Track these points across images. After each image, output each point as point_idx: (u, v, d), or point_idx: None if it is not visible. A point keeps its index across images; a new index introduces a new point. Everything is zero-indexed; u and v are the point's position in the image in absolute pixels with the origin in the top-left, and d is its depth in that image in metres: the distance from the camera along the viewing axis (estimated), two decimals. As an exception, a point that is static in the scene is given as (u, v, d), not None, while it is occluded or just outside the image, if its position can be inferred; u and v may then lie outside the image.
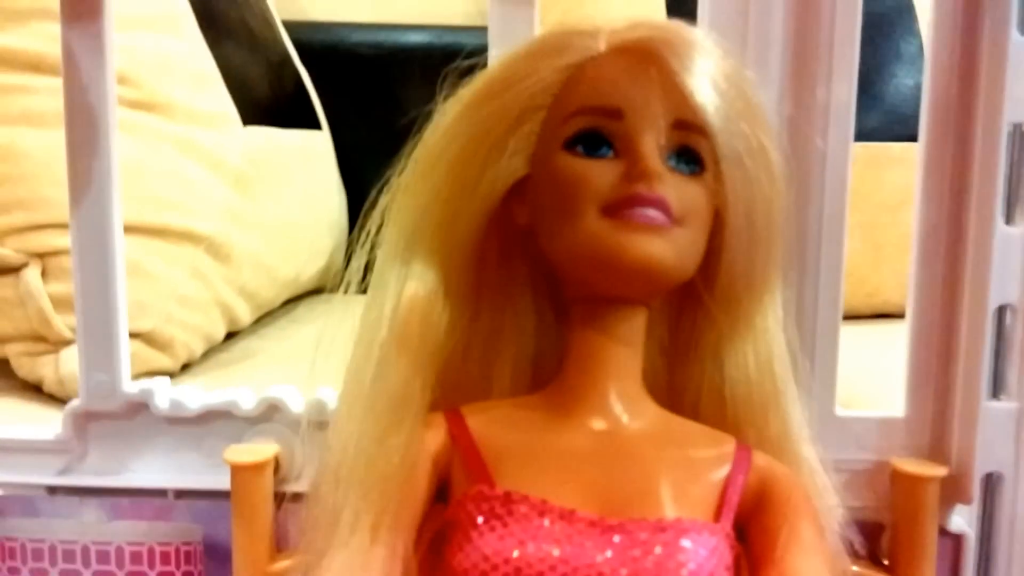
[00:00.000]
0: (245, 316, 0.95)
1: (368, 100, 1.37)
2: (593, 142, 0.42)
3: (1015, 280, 0.53)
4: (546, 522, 0.38)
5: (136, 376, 0.67)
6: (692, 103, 0.41)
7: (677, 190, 0.41)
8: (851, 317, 1.05)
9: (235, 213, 0.88)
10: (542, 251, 0.44)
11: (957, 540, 0.55)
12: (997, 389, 0.55)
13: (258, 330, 1.02)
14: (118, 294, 0.57)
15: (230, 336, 0.95)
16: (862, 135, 1.16)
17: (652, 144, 0.41)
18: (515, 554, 0.37)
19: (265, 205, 0.96)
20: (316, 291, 1.24)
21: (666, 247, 0.40)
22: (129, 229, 0.75)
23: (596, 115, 0.42)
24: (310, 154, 1.21)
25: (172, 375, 0.81)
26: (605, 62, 0.43)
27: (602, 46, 0.43)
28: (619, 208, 0.40)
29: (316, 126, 1.27)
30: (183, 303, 0.80)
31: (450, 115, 0.45)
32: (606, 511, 0.39)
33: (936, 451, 0.55)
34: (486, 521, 0.38)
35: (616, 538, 0.38)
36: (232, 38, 1.01)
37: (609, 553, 0.38)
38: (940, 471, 0.53)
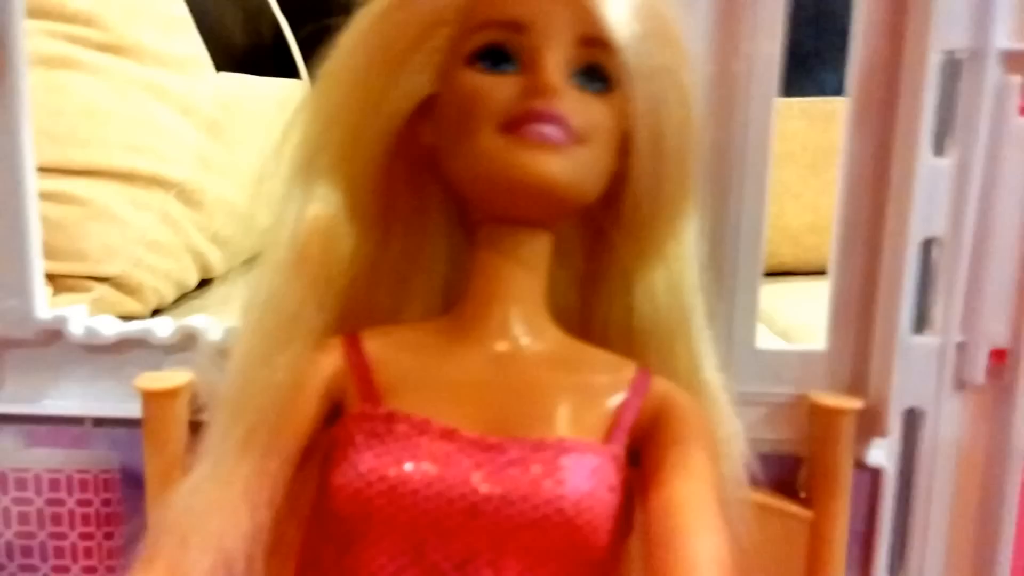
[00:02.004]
0: (219, 263, 0.94)
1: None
2: (496, 57, 0.40)
3: (943, 213, 0.52)
4: (425, 440, 0.37)
5: None
6: (599, 18, 0.39)
7: (579, 107, 0.40)
8: (816, 272, 1.06)
9: (207, 159, 0.86)
10: (445, 170, 0.43)
11: (875, 474, 0.55)
12: (922, 324, 0.54)
13: (234, 277, 1.01)
14: (30, 219, 0.56)
15: (206, 283, 0.94)
16: (834, 90, 1.15)
17: (555, 59, 0.39)
18: (391, 471, 0.37)
19: (239, 153, 0.94)
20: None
21: (563, 166, 0.39)
22: (97, 173, 0.74)
23: (499, 29, 0.40)
24: (287, 102, 1.18)
25: (141, 320, 0.80)
26: None
27: None
28: (516, 125, 0.39)
29: (295, 75, 1.25)
30: (152, 248, 0.79)
31: (356, 29, 0.43)
32: (493, 431, 0.39)
33: (856, 385, 0.54)
34: (365, 440, 0.38)
35: (495, 456, 0.38)
36: (205, -18, 0.99)
37: (486, 471, 0.37)
38: (856, 404, 0.52)
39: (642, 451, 0.41)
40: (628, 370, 0.43)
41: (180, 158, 0.82)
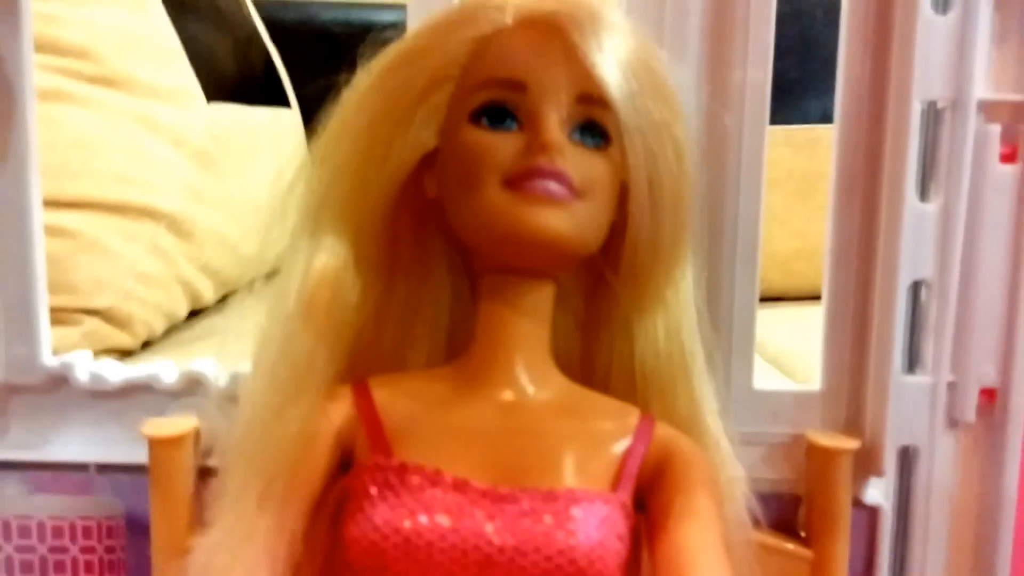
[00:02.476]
0: (208, 294, 0.94)
1: (338, 78, 1.37)
2: (497, 115, 0.42)
3: (929, 255, 0.54)
4: (438, 492, 0.38)
5: (95, 354, 0.66)
6: (595, 77, 0.41)
7: (579, 163, 0.41)
8: (805, 297, 1.07)
9: (197, 190, 0.87)
10: (450, 223, 0.44)
11: (872, 512, 0.56)
12: (913, 363, 0.55)
13: (222, 308, 1.01)
14: (37, 267, 0.56)
15: (194, 315, 0.94)
16: (827, 117, 1.17)
17: (555, 117, 0.41)
18: (406, 524, 0.37)
19: (230, 182, 0.95)
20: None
21: (566, 220, 0.40)
22: (88, 205, 0.74)
23: (501, 88, 0.42)
24: (278, 132, 1.20)
25: (132, 353, 0.80)
26: (511, 35, 0.43)
27: (509, 19, 0.43)
28: (520, 181, 0.40)
29: (285, 104, 1.26)
30: (143, 280, 0.79)
31: (361, 85, 0.45)
32: (502, 481, 0.40)
33: (851, 424, 0.56)
34: (379, 492, 0.39)
35: (507, 507, 0.38)
36: (197, 14, 1.00)
37: (499, 523, 0.38)
38: (853, 444, 0.53)
39: (648, 497, 0.42)
40: (632, 416, 0.44)
41: (171, 189, 0.83)
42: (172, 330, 0.88)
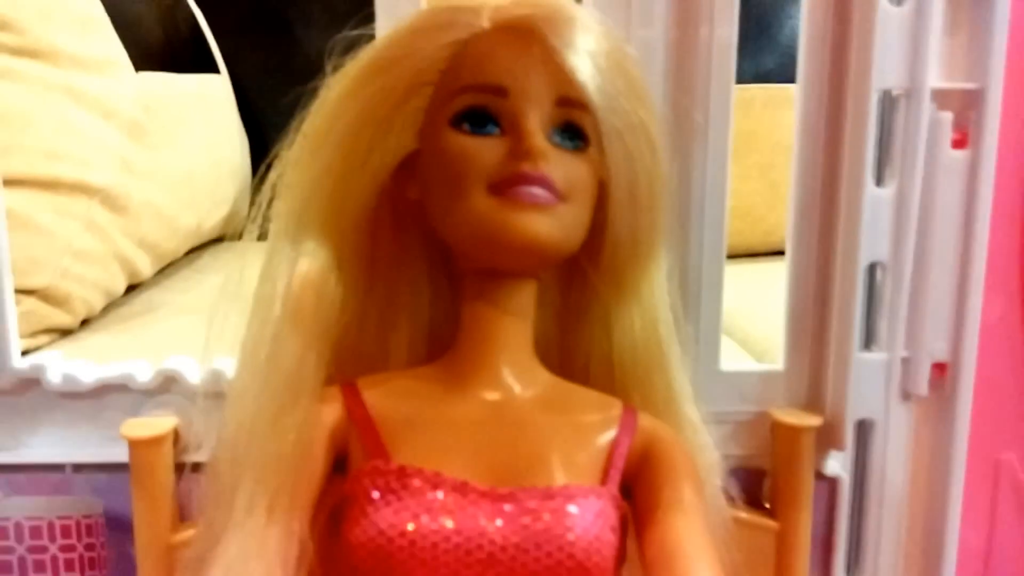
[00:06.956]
0: (146, 268, 0.93)
1: (267, 41, 1.35)
2: (479, 119, 0.42)
3: (885, 238, 0.56)
4: (439, 494, 0.40)
5: (33, 334, 0.65)
6: (574, 80, 0.42)
7: (562, 166, 0.42)
8: (749, 255, 1.09)
9: (130, 163, 0.85)
10: (432, 225, 0.45)
11: (832, 483, 0.59)
12: (869, 341, 0.58)
13: (161, 281, 1.00)
14: (2, 269, 0.55)
15: (133, 289, 0.93)
16: (760, 76, 1.19)
17: (536, 121, 0.42)
18: (410, 527, 0.39)
19: (163, 153, 0.93)
20: (221, 239, 1.23)
21: (551, 224, 0.41)
22: (18, 182, 0.72)
23: (481, 93, 0.42)
24: (208, 99, 1.17)
25: (71, 331, 0.79)
26: (489, 39, 0.43)
27: (486, 23, 0.43)
28: (505, 187, 0.41)
29: (214, 69, 1.23)
30: (79, 257, 0.78)
31: (337, 91, 0.45)
32: (498, 480, 0.41)
33: (813, 401, 0.58)
34: (382, 496, 0.40)
35: (507, 507, 0.40)
36: (119, -20, 0.97)
37: (500, 522, 0.39)
38: (815, 421, 0.56)
39: (634, 486, 0.44)
40: (615, 408, 0.45)
41: (103, 163, 0.81)
42: (110, 306, 0.86)
